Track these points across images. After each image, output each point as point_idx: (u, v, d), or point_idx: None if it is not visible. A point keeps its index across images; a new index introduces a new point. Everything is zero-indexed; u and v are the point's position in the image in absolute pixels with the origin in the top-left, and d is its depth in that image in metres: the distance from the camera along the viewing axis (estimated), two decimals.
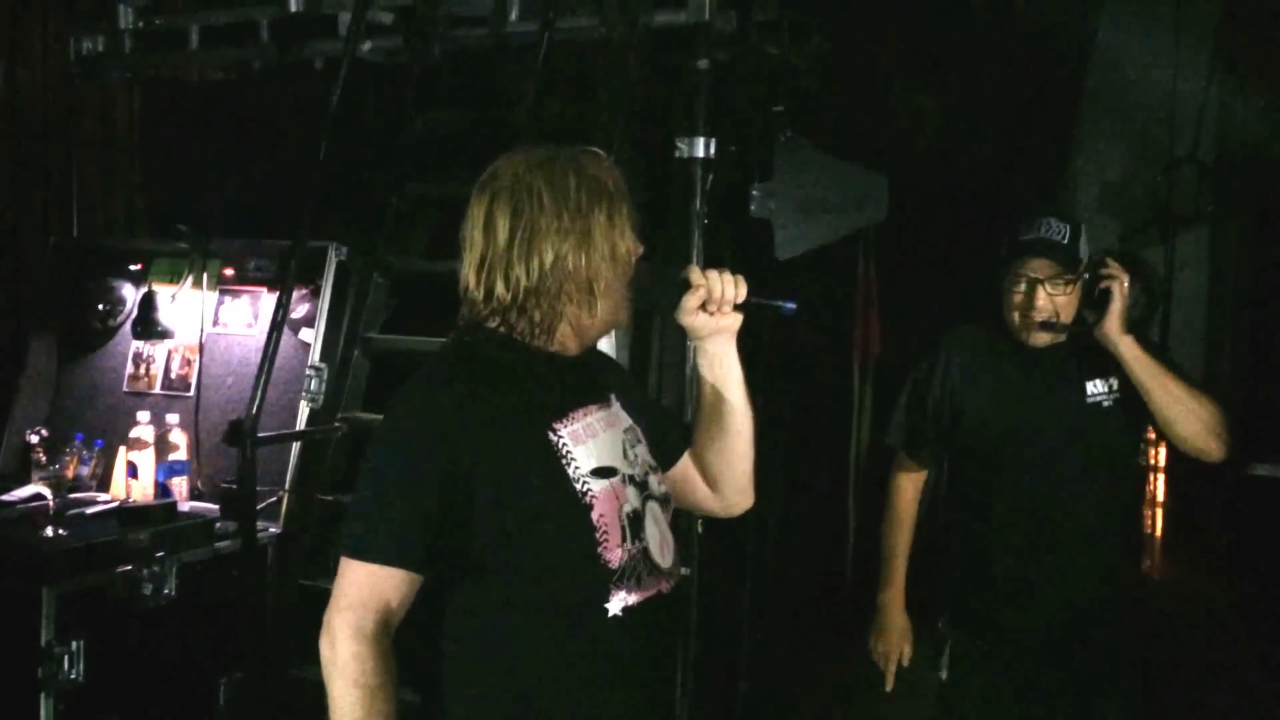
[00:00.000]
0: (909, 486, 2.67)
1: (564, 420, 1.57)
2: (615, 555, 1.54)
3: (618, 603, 1.54)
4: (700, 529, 3.00)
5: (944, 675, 2.58)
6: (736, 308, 1.66)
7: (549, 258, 1.55)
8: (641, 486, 1.62)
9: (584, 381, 1.65)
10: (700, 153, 2.93)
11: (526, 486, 1.52)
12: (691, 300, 1.64)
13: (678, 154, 2.94)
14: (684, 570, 2.98)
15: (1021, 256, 2.44)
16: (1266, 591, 5.10)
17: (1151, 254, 6.23)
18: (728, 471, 1.76)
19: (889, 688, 2.66)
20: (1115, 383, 2.48)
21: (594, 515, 1.53)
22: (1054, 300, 2.42)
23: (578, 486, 1.54)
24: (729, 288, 1.64)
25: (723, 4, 3.00)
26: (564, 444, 1.55)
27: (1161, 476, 5.45)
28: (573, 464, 1.54)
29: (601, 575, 1.53)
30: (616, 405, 1.68)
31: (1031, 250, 2.43)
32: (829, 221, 3.34)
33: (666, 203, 2.92)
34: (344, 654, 1.48)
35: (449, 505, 1.49)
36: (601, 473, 1.56)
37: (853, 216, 3.45)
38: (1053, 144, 6.09)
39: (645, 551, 1.58)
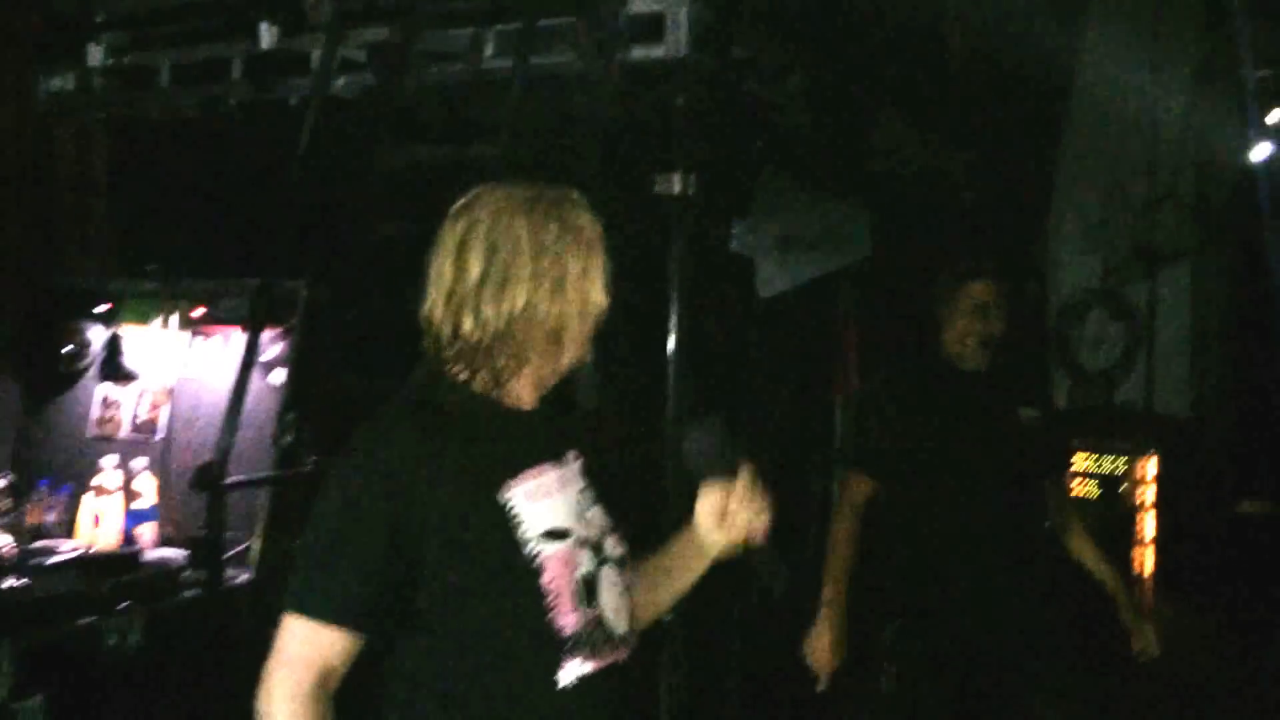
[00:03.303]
0: (860, 506, 2.77)
1: (516, 479, 1.50)
2: (568, 622, 1.47)
3: (570, 672, 1.46)
4: None
5: (889, 687, 2.70)
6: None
7: (520, 302, 1.49)
8: (596, 549, 1.54)
9: (539, 438, 1.57)
10: (678, 189, 2.89)
11: (473, 549, 1.44)
12: (715, 498, 1.58)
13: (656, 190, 2.89)
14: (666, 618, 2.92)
15: (969, 279, 2.72)
16: (1255, 624, 5.07)
17: (1134, 290, 6.24)
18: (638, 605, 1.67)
19: (821, 688, 2.70)
20: (1036, 409, 2.79)
21: (543, 580, 1.45)
22: (994, 320, 2.70)
23: (526, 550, 1.46)
24: (755, 521, 1.58)
25: (701, 41, 2.96)
26: (513, 505, 1.48)
27: (1151, 514, 5.41)
28: (520, 526, 1.47)
29: (552, 643, 1.45)
30: (573, 464, 1.60)
31: (977, 274, 2.72)
32: (811, 258, 3.30)
33: (645, 240, 2.87)
34: (279, 713, 1.41)
35: (396, 563, 1.42)
36: (553, 535, 1.49)
37: (835, 253, 3.41)
38: (1034, 182, 6.10)
39: (600, 618, 1.50)
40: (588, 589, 1.50)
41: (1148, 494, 5.43)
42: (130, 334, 3.50)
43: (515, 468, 1.51)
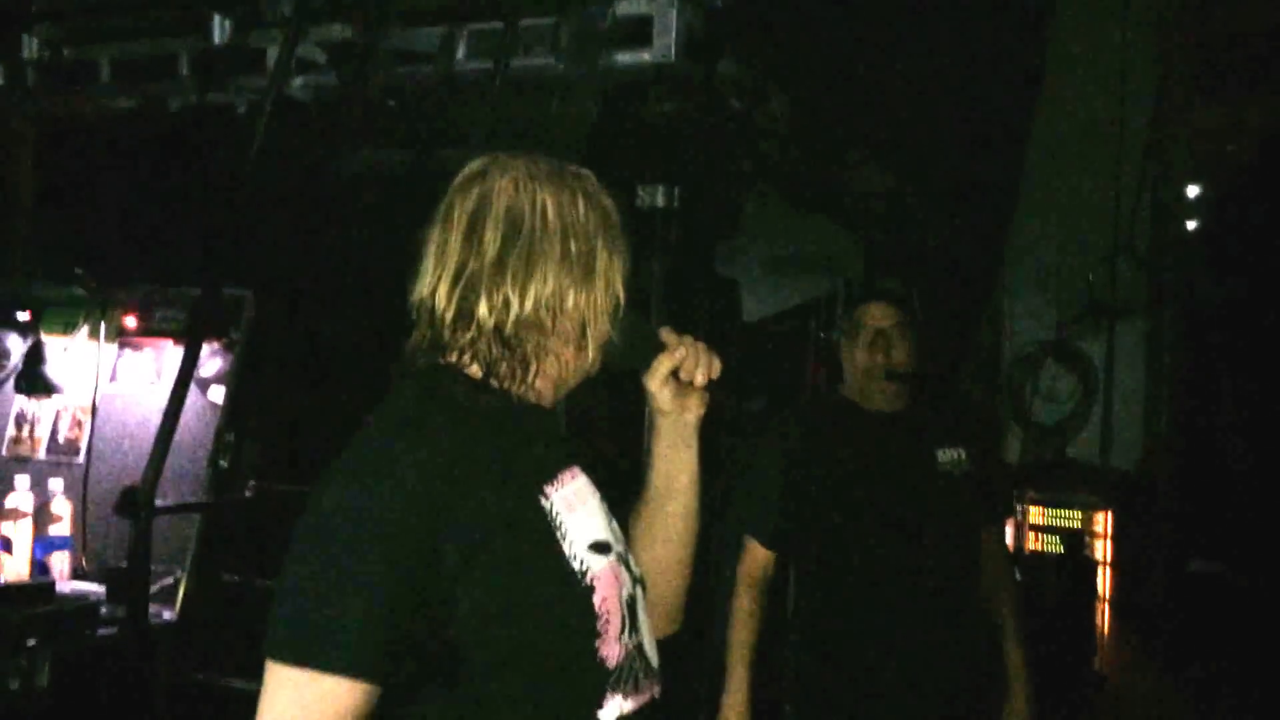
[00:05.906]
0: (762, 579, 2.46)
1: (552, 484, 1.28)
2: (613, 652, 1.24)
3: (612, 710, 1.23)
4: None
5: None
6: (709, 387, 1.42)
7: (548, 287, 1.28)
8: (629, 566, 1.34)
9: (564, 439, 1.37)
10: (661, 203, 2.71)
11: (518, 567, 1.20)
12: (665, 364, 1.39)
13: (638, 204, 2.71)
14: None
15: (865, 302, 2.45)
16: (1205, 680, 5.01)
17: (1089, 344, 6.21)
18: (652, 581, 1.44)
19: None
20: (964, 452, 2.42)
21: (596, 600, 1.23)
22: (898, 350, 2.38)
23: (576, 565, 1.24)
24: (704, 358, 1.40)
25: (689, 49, 2.80)
26: (556, 512, 1.25)
27: (1108, 571, 5.32)
28: (566, 537, 1.25)
29: (597, 677, 1.23)
30: (588, 471, 1.39)
31: (875, 295, 2.46)
32: (800, 281, 3.13)
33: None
34: None
35: (426, 597, 1.15)
36: (599, 548, 1.28)
37: (825, 277, 3.25)
38: (991, 233, 6.07)
39: (640, 647, 1.29)
40: (632, 612, 1.29)
41: (1107, 550, 5.35)
42: (52, 344, 3.21)
43: (549, 471, 1.29)
